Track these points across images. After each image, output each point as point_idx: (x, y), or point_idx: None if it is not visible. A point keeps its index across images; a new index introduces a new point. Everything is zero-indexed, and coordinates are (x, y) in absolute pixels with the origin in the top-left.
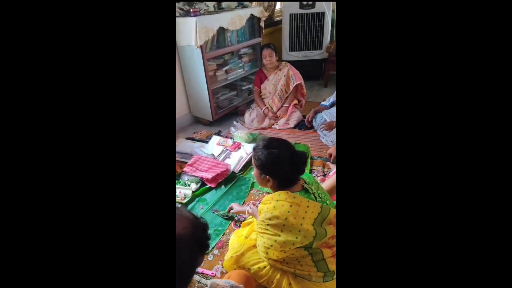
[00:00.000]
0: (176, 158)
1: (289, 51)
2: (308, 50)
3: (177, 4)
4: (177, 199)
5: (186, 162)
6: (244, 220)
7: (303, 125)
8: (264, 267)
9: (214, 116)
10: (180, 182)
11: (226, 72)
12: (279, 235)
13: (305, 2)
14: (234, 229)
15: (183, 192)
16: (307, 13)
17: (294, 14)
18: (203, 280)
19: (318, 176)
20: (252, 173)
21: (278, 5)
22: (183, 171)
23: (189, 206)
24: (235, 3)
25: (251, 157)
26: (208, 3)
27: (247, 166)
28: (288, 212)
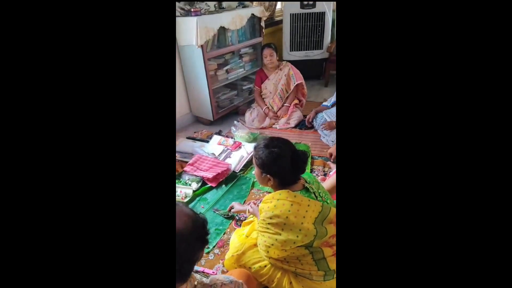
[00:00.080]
0: (177, 158)
1: (290, 50)
2: (308, 49)
3: (178, 3)
4: (178, 198)
5: (187, 162)
6: (245, 219)
7: (304, 125)
8: (265, 266)
9: (215, 115)
10: (181, 182)
11: (227, 71)
12: (280, 234)
13: (305, 2)
14: (235, 228)
15: (184, 191)
16: (307, 13)
17: (295, 14)
18: (204, 279)
19: (319, 176)
20: (253, 172)
21: (279, 5)
22: (184, 171)
23: (190, 206)
24: (235, 3)
25: (251, 156)
26: (209, 2)
27: (247, 165)
28: (289, 211)
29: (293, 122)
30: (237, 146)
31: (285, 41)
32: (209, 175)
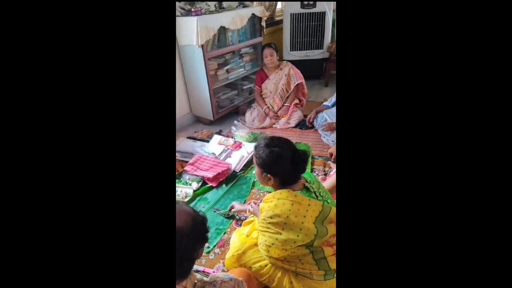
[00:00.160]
0: (177, 157)
1: (290, 50)
2: (309, 49)
3: (178, 3)
4: (179, 198)
5: (187, 161)
6: (245, 219)
7: (304, 125)
8: (265, 265)
9: (215, 115)
10: (181, 181)
11: (227, 71)
12: (281, 234)
13: (306, 2)
14: (235, 228)
15: (184, 191)
16: (308, 13)
17: (295, 13)
18: (205, 278)
19: (319, 175)
20: (253, 172)
21: (279, 4)
22: (184, 170)
23: (191, 205)
24: (236, 3)
25: (252, 156)
26: (209, 2)
27: (248, 165)
28: (289, 210)
29: (293, 122)
30: (238, 146)
31: (286, 41)
32: (210, 174)
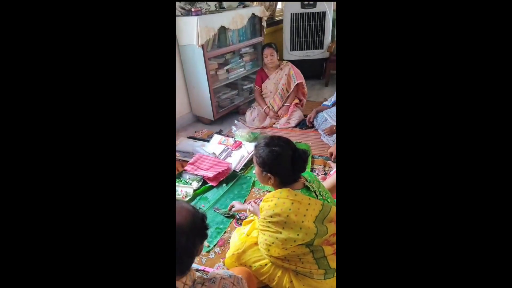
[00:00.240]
0: (178, 157)
1: (290, 50)
2: (309, 49)
3: (178, 3)
4: (179, 197)
5: (187, 161)
6: (245, 218)
7: (304, 124)
8: (266, 264)
9: (215, 115)
10: (181, 181)
11: (227, 71)
12: (281, 233)
13: (306, 2)
14: (236, 227)
15: (184, 190)
16: (308, 13)
17: (295, 13)
18: (205, 277)
19: (319, 175)
20: (253, 171)
21: (279, 4)
22: (184, 170)
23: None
24: (236, 3)
25: (252, 156)
26: (209, 2)
27: (248, 165)
28: (290, 209)
29: (293, 122)
30: (238, 145)
31: (286, 41)
32: (210, 174)
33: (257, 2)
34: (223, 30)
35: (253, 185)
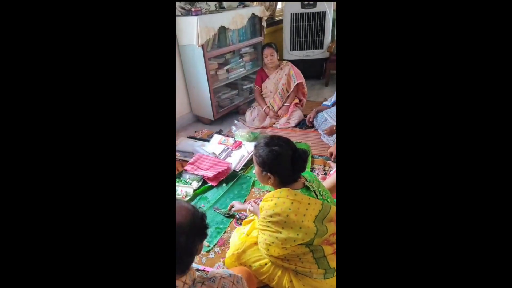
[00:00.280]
0: (178, 157)
1: (290, 50)
2: (309, 49)
3: (178, 3)
4: (179, 197)
5: (187, 161)
6: (245, 218)
7: (304, 124)
8: (265, 264)
9: (215, 115)
10: (181, 181)
11: (227, 71)
12: (280, 232)
13: (306, 2)
14: (235, 227)
15: (184, 190)
16: (308, 13)
17: (295, 13)
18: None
19: (319, 175)
20: (253, 171)
21: (279, 4)
22: (184, 170)
23: None
24: (236, 3)
25: (252, 155)
26: (209, 2)
27: (248, 164)
28: (289, 209)
29: (293, 122)
30: (238, 145)
31: (286, 41)
32: (210, 174)
33: (257, 2)
34: (223, 30)
35: (253, 185)
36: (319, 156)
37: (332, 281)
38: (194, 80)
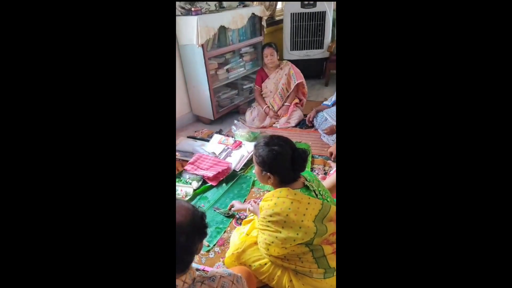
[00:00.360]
0: (178, 157)
1: (290, 50)
2: (309, 49)
3: (178, 3)
4: (179, 197)
5: (187, 161)
6: (245, 218)
7: (304, 124)
8: (265, 264)
9: (215, 115)
10: (181, 180)
11: (227, 71)
12: (280, 232)
13: (306, 2)
14: (235, 227)
15: (184, 190)
16: (308, 12)
17: (295, 13)
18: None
19: (319, 175)
20: (253, 171)
21: (279, 4)
22: (184, 170)
23: None
24: (236, 2)
25: (252, 155)
26: (209, 2)
27: (248, 164)
28: (289, 209)
29: (293, 122)
30: (238, 145)
31: (286, 41)
32: (210, 174)
33: (257, 1)
34: (223, 29)
35: (253, 184)
36: (319, 155)
37: (332, 280)
38: (194, 80)
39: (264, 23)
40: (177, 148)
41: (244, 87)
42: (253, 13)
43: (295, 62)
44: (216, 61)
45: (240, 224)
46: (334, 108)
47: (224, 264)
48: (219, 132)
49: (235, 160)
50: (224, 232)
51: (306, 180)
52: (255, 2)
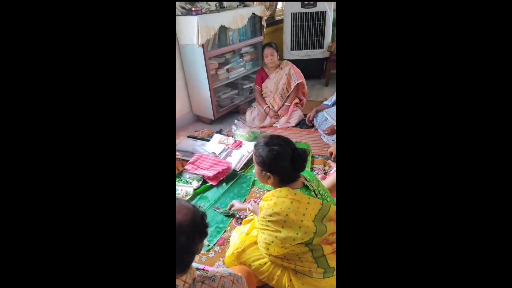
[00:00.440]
0: (178, 156)
1: (291, 50)
2: (309, 49)
3: (179, 3)
4: (179, 196)
5: (187, 160)
6: (245, 217)
7: (304, 124)
8: (265, 263)
9: (216, 114)
10: (181, 180)
11: (228, 70)
12: (280, 231)
13: (306, 2)
14: (235, 226)
15: (184, 189)
16: (308, 12)
17: (296, 13)
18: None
19: (319, 175)
20: (253, 171)
21: (280, 4)
22: (184, 169)
23: None
24: (236, 2)
25: (252, 155)
26: (210, 2)
27: (248, 164)
28: (289, 208)
29: (293, 121)
30: (238, 145)
31: (286, 41)
32: (210, 173)
33: (258, 1)
34: (223, 29)
35: (253, 184)
36: (319, 155)
37: (332, 280)
38: (194, 80)
39: (264, 23)
40: (177, 147)
41: (244, 87)
42: (253, 13)
43: (295, 62)
44: (217, 61)
45: (240, 223)
46: (334, 108)
47: (224, 264)
48: (219, 132)
49: (235, 159)
50: (224, 232)
51: (306, 180)
52: (255, 2)
